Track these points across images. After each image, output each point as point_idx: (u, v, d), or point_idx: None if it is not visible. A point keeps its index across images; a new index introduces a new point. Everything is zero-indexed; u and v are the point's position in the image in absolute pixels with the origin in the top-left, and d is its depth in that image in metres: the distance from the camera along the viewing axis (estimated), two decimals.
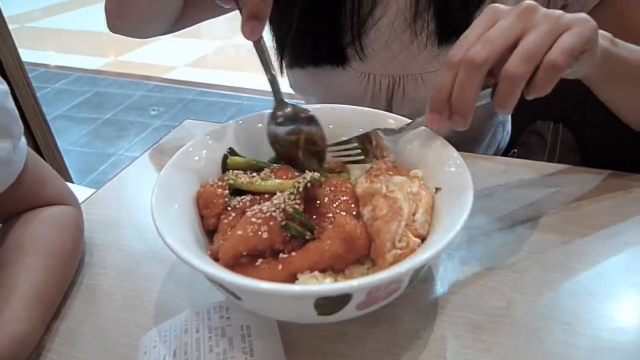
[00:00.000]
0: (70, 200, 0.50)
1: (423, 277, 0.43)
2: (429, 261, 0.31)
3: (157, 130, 2.76)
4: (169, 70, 3.57)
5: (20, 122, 0.44)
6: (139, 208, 0.58)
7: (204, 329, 0.38)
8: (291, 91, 0.81)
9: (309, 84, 0.75)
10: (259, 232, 0.35)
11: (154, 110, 3.00)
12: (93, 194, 0.60)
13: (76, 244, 0.47)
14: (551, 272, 0.44)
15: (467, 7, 0.61)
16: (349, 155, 0.46)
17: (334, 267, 0.35)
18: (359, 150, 0.46)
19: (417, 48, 0.66)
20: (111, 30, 0.69)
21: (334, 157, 0.47)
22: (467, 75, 0.38)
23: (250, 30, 0.42)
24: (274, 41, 0.72)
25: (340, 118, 0.49)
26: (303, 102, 0.84)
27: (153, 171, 0.65)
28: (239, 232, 0.35)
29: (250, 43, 0.44)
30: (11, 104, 0.43)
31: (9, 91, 0.43)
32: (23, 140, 0.45)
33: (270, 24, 0.71)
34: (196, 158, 0.44)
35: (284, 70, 0.75)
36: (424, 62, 0.67)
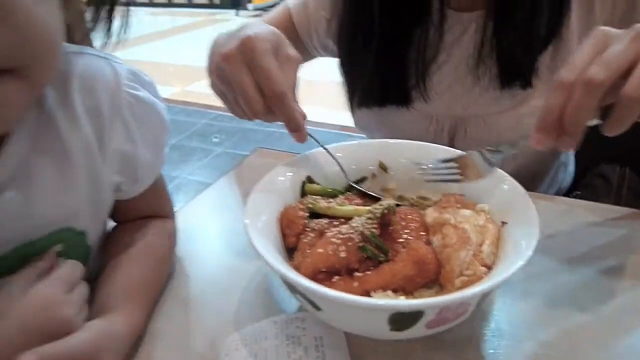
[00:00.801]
0: (171, 214, 0.57)
1: (486, 306, 0.45)
2: (495, 287, 0.34)
3: (218, 157, 2.90)
4: None
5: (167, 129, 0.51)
6: (219, 225, 0.63)
7: (282, 337, 0.42)
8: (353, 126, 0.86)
9: (374, 123, 0.79)
10: (338, 252, 0.39)
11: (215, 137, 3.16)
12: (176, 211, 0.67)
13: (172, 253, 0.54)
14: (616, 314, 0.45)
15: (531, 52, 0.64)
16: (447, 174, 0.48)
17: (405, 289, 0.39)
18: (458, 170, 0.48)
19: (480, 91, 0.69)
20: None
21: (428, 180, 0.50)
22: (583, 96, 0.38)
23: (297, 140, 0.49)
24: (345, 84, 0.77)
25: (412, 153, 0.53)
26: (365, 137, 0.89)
27: (230, 193, 0.71)
28: (320, 250, 0.40)
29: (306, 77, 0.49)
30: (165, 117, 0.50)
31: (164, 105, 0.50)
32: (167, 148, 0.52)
33: (343, 68, 0.77)
34: (279, 183, 0.49)
35: (352, 109, 0.80)
36: (486, 104, 0.70)
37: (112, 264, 0.49)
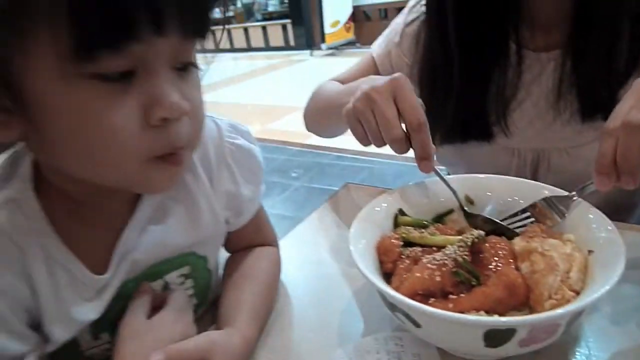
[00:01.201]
0: (275, 242, 0.65)
1: (577, 331, 0.48)
2: (584, 308, 0.37)
3: (297, 191, 3.03)
4: (308, 137, 3.93)
5: (262, 169, 0.60)
6: (316, 254, 0.71)
7: (383, 352, 0.47)
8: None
9: (457, 158, 0.83)
10: (434, 276, 0.44)
11: (294, 172, 3.31)
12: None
13: (278, 278, 0.61)
14: None
15: (611, 86, 0.66)
16: (523, 225, 0.53)
17: (496, 311, 0.43)
18: (533, 219, 0.53)
19: (561, 125, 0.72)
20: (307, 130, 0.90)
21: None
22: (627, 137, 0.44)
23: (424, 169, 0.55)
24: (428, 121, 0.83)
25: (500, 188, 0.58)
26: (448, 171, 0.93)
27: (323, 225, 0.78)
28: (417, 275, 0.45)
29: None
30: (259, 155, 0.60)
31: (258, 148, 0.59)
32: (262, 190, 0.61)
33: (425, 106, 0.82)
34: (375, 215, 0.55)
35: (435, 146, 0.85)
36: (568, 137, 0.72)
37: (228, 287, 0.57)
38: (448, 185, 0.58)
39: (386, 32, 0.87)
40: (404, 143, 0.55)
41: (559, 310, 0.37)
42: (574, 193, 0.51)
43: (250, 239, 0.63)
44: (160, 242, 0.51)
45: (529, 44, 0.71)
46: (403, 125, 0.55)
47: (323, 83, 0.85)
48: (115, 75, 0.35)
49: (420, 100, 0.56)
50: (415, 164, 0.56)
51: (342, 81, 0.83)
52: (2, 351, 0.40)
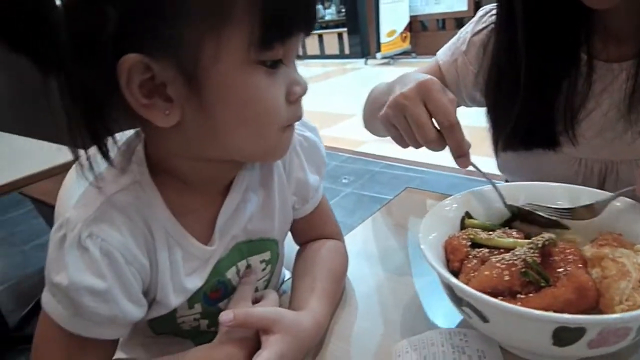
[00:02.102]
0: (341, 236, 0.69)
1: None
2: None
3: (347, 197, 3.06)
4: (360, 144, 3.96)
5: (325, 162, 0.65)
6: (378, 251, 0.73)
7: (447, 345, 0.49)
8: (498, 172, 0.91)
9: (519, 166, 0.84)
10: (502, 275, 0.46)
11: (345, 179, 3.35)
12: None
13: (346, 269, 0.65)
14: None
15: None
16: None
17: (564, 312, 0.44)
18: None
19: (632, 136, 0.70)
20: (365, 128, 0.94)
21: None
22: None
23: (461, 165, 0.58)
24: (491, 128, 0.84)
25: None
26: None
27: (385, 224, 0.81)
28: (486, 273, 0.47)
29: None
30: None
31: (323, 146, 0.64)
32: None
33: (489, 114, 0.83)
34: (444, 215, 0.58)
35: (496, 152, 0.86)
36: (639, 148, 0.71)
37: (300, 274, 0.61)
38: (490, 181, 0.60)
39: (453, 41, 0.89)
40: (438, 142, 0.58)
41: (632, 314, 0.37)
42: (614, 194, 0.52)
43: (317, 229, 0.67)
44: (249, 222, 0.57)
45: (600, 55, 0.71)
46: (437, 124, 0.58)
47: (379, 83, 0.88)
48: (271, 63, 0.42)
49: (451, 96, 0.59)
50: (467, 176, 0.58)
51: None
52: (125, 316, 0.46)
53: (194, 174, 0.50)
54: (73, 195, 0.70)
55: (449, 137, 0.57)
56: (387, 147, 3.89)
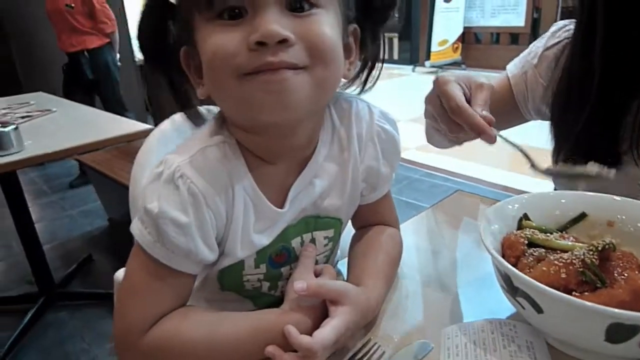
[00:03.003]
0: (398, 225, 0.72)
1: None
2: None
3: None
4: (403, 150, 3.96)
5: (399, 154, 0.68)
6: (434, 244, 0.76)
7: (497, 333, 0.52)
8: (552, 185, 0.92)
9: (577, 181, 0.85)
10: (559, 272, 0.49)
11: None
12: None
13: (400, 254, 0.69)
14: None
15: None
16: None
17: None
18: None
19: None
20: None
21: None
22: None
23: (487, 141, 0.57)
24: (554, 139, 0.85)
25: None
26: None
27: (436, 222, 0.84)
28: (544, 268, 0.50)
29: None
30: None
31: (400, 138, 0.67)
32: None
33: (553, 125, 0.85)
34: (503, 214, 0.60)
35: (556, 164, 0.87)
36: None
37: (358, 255, 0.65)
38: (515, 145, 0.60)
39: (524, 54, 0.91)
40: (457, 129, 0.61)
41: None
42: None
43: (378, 216, 0.71)
44: (319, 197, 0.61)
45: None
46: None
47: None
48: (228, 16, 0.46)
49: (458, 89, 0.61)
50: (504, 192, 0.60)
51: None
52: (197, 253, 0.52)
53: (252, 145, 0.55)
54: (151, 159, 0.76)
55: (459, 119, 0.59)
56: (428, 156, 3.89)
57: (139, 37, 0.54)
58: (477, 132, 0.58)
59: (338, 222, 0.65)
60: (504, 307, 0.56)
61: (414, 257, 0.73)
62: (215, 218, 0.53)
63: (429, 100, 0.67)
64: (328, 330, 0.50)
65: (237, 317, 0.54)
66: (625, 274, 0.48)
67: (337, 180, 0.62)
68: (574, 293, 0.48)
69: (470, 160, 3.58)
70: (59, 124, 1.88)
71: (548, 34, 0.88)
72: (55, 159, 1.71)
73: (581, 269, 0.48)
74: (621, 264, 0.50)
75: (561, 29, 0.85)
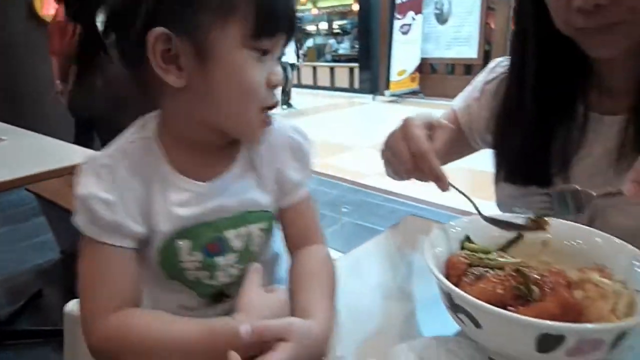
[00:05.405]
0: (324, 241, 0.75)
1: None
2: (629, 329, 0.44)
3: (344, 226, 3.12)
4: (363, 176, 4.05)
5: (311, 164, 0.74)
6: (382, 267, 0.79)
7: (442, 350, 0.55)
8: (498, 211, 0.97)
9: (517, 199, 0.91)
10: (496, 289, 0.52)
11: (345, 208, 3.41)
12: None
13: (335, 274, 0.70)
14: None
15: None
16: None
17: None
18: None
19: (621, 183, 0.77)
20: None
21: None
22: None
23: (441, 187, 0.65)
24: (495, 160, 0.91)
25: None
26: None
27: (388, 246, 0.87)
28: (482, 286, 0.53)
29: None
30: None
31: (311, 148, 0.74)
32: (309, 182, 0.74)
33: (495, 148, 0.91)
34: (445, 237, 0.64)
35: (497, 183, 0.92)
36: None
37: (300, 284, 0.66)
38: (463, 194, 0.68)
39: (467, 89, 0.98)
40: (418, 172, 0.67)
41: (607, 325, 0.43)
42: (595, 193, 0.60)
43: (305, 233, 0.73)
44: (246, 191, 0.67)
45: (595, 107, 0.79)
46: None
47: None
48: (261, 52, 0.57)
49: (424, 134, 0.67)
50: (462, 216, 0.68)
51: None
52: (124, 225, 0.59)
53: (198, 137, 0.63)
54: None
55: (421, 164, 0.65)
56: (388, 181, 3.99)
57: None
58: (432, 178, 0.65)
59: (268, 215, 0.70)
60: (452, 325, 0.59)
61: (366, 279, 0.76)
62: (135, 197, 0.61)
63: (394, 139, 0.70)
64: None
65: (190, 320, 0.57)
66: (555, 289, 0.52)
67: (257, 179, 0.68)
68: (508, 307, 0.51)
69: (429, 185, 3.70)
70: (8, 153, 1.82)
71: (487, 69, 0.95)
72: (4, 190, 1.65)
73: (515, 285, 0.52)
74: (552, 279, 0.54)
75: (497, 65, 0.93)
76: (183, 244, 0.64)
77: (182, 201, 0.63)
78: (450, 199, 0.66)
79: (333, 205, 3.45)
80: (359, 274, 0.76)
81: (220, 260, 0.67)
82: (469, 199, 0.67)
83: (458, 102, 0.98)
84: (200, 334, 0.55)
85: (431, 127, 0.69)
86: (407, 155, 0.66)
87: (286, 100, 7.34)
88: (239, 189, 0.66)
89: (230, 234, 0.66)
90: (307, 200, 0.74)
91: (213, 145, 0.65)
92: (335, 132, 5.76)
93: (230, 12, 0.54)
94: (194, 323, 0.56)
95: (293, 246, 0.74)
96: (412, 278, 0.75)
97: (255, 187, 0.68)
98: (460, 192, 0.67)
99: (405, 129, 0.68)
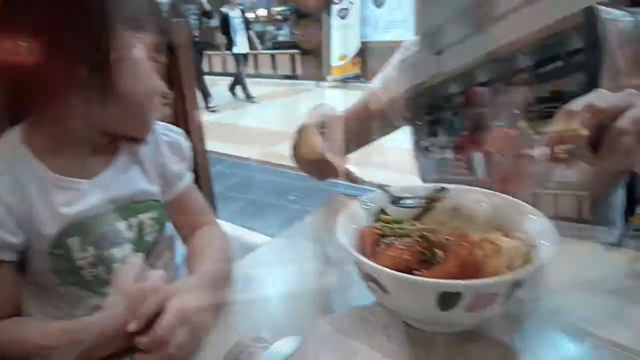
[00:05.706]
0: (215, 222, 0.80)
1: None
2: (519, 281, 0.47)
3: (292, 214, 3.12)
4: None
5: (190, 157, 0.81)
6: (304, 248, 0.80)
7: (357, 318, 0.57)
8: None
9: (429, 170, 0.96)
10: (402, 255, 0.54)
11: (292, 196, 3.41)
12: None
13: (230, 247, 0.74)
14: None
15: None
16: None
17: None
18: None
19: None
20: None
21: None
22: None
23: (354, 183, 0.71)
24: (412, 135, 0.95)
25: None
26: None
27: (314, 226, 0.88)
28: (390, 254, 0.55)
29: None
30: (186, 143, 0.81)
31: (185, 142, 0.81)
32: (190, 174, 0.81)
33: (412, 120, 0.95)
34: (361, 211, 0.66)
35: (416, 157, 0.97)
36: None
37: (192, 255, 0.72)
38: (377, 184, 0.71)
39: (386, 69, 1.00)
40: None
41: (498, 278, 0.46)
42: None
43: (195, 218, 0.78)
44: (132, 183, 0.71)
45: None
46: None
47: None
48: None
49: (318, 138, 0.71)
50: None
51: (346, 114, 0.97)
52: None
53: (89, 138, 0.66)
54: None
55: (324, 167, 0.70)
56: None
57: None
58: (343, 177, 0.71)
59: (158, 204, 0.73)
60: (369, 295, 0.60)
61: (293, 259, 0.77)
62: (6, 205, 0.61)
63: (296, 152, 0.79)
64: (165, 317, 0.51)
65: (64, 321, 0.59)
66: (456, 251, 0.54)
67: (143, 172, 0.72)
68: (414, 272, 0.53)
69: (389, 169, 3.77)
70: None
71: (402, 48, 0.98)
72: None
73: (420, 249, 0.54)
74: (455, 242, 0.56)
75: (412, 43, 0.96)
76: (73, 241, 0.64)
77: (66, 200, 0.64)
78: (394, 180, 0.71)
79: (280, 194, 3.44)
80: (285, 257, 0.76)
81: (115, 252, 0.67)
82: (382, 187, 0.70)
83: (378, 82, 1.00)
84: (62, 328, 0.57)
85: (324, 124, 0.72)
86: (312, 165, 0.72)
87: (248, 94, 7.01)
88: (124, 182, 0.69)
89: (121, 225, 0.68)
90: (190, 188, 0.80)
91: (93, 144, 0.67)
92: (279, 119, 5.74)
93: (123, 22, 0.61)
94: (64, 322, 0.58)
95: (187, 233, 0.78)
96: (337, 254, 0.76)
97: (142, 178, 0.71)
98: (373, 182, 0.71)
99: (299, 138, 0.73)
